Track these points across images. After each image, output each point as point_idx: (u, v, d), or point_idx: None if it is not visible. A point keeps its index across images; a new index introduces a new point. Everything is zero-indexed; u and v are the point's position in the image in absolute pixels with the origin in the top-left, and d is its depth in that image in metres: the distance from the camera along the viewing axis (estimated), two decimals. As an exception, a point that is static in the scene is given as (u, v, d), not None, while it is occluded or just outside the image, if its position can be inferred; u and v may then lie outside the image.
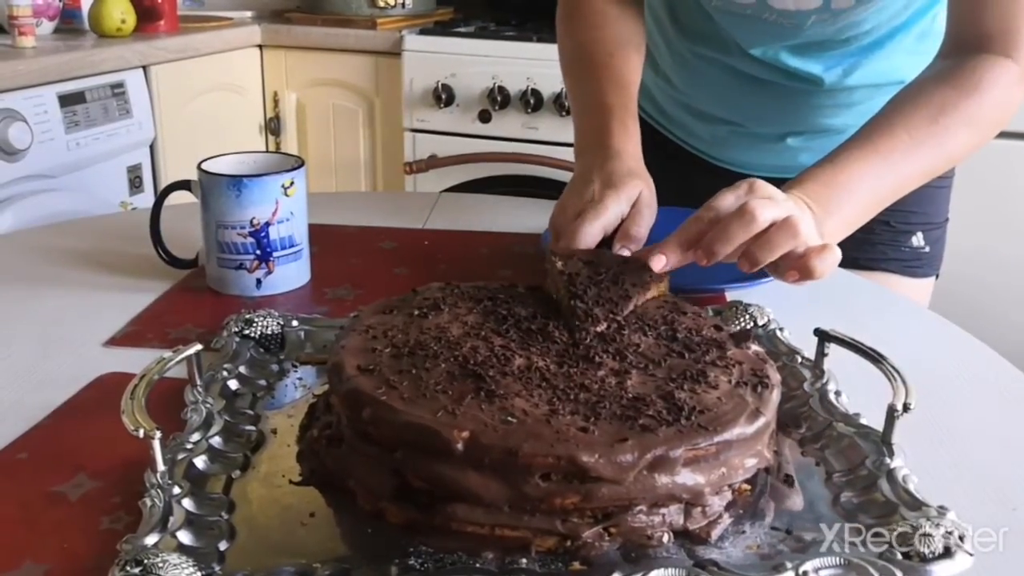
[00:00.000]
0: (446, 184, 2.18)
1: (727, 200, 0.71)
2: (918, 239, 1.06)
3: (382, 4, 2.24)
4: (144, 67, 1.95)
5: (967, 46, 0.84)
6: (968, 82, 0.82)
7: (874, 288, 0.95)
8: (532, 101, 2.04)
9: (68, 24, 2.08)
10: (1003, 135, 1.80)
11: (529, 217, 1.04)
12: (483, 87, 2.09)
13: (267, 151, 0.77)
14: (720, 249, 0.70)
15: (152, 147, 2.00)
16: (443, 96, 2.11)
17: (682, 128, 1.13)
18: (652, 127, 1.14)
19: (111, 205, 1.86)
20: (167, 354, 0.57)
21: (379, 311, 0.62)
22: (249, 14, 2.38)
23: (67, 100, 1.77)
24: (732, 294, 0.82)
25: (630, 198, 0.80)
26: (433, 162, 2.17)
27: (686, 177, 1.11)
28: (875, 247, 1.05)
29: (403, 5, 2.27)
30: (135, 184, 1.97)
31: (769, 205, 0.69)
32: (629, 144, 0.87)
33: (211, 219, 0.80)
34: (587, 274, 0.67)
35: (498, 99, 2.08)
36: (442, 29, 2.21)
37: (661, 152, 1.13)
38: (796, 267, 0.70)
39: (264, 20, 2.32)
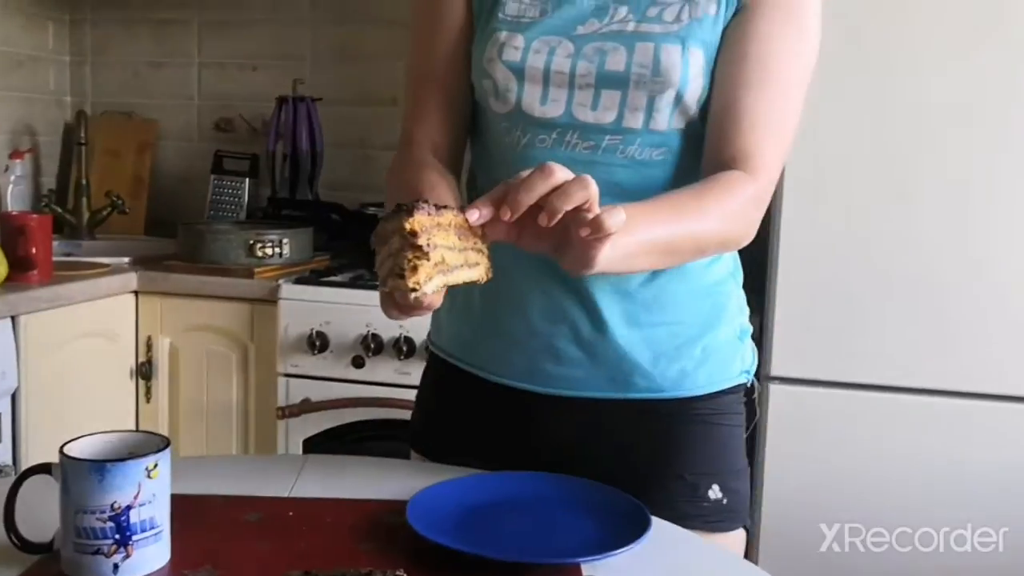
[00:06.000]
0: (319, 428, 2.19)
1: (525, 171, 0.82)
2: (715, 492, 1.10)
3: (260, 254, 2.32)
4: (13, 316, 1.93)
5: (720, 167, 1.01)
6: (719, 184, 1.00)
7: (706, 548, 0.99)
8: (405, 348, 2.11)
9: (-64, 273, 2.06)
10: (814, 383, 1.95)
11: (396, 482, 1.06)
12: (357, 334, 2.15)
13: (133, 430, 0.80)
14: (524, 198, 0.80)
15: (14, 396, 1.96)
16: (317, 343, 2.16)
17: (491, 358, 1.16)
18: (470, 374, 1.18)
19: (-35, 458, 1.79)
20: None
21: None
22: (126, 260, 2.41)
23: (-73, 352, 1.74)
24: (587, 567, 0.85)
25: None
26: (306, 407, 2.19)
27: (508, 417, 1.16)
28: (675, 506, 1.07)
29: (280, 255, 2.35)
30: (-7, 435, 1.91)
31: (565, 168, 0.81)
32: None
33: (70, 504, 0.80)
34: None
35: (371, 346, 2.14)
36: (317, 278, 2.29)
37: (480, 397, 1.17)
38: (588, 224, 0.81)
39: (141, 267, 2.35)
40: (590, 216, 0.81)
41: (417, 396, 1.29)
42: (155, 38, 2.96)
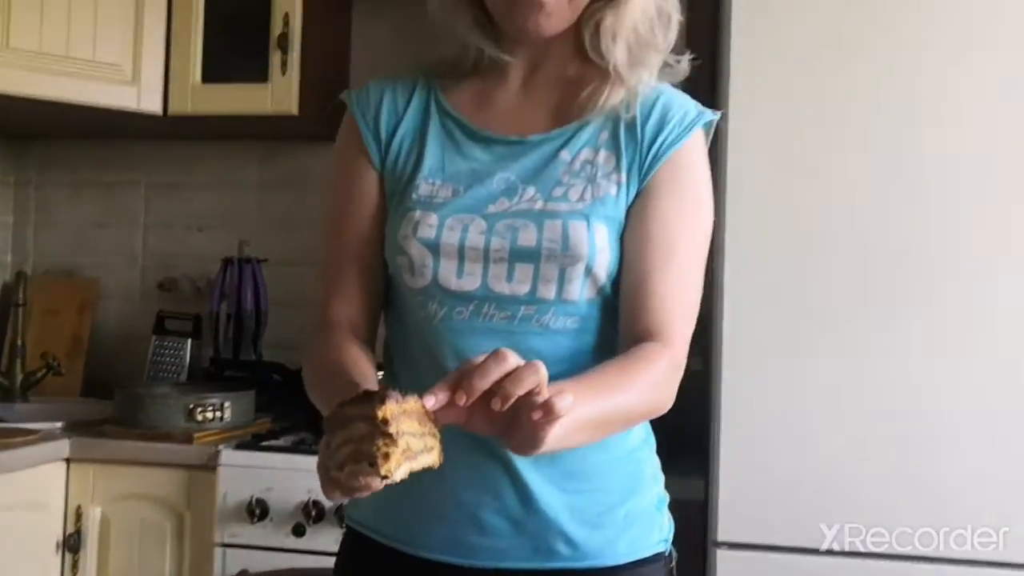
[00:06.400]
0: (256, 602, 2.09)
1: (480, 357, 0.85)
2: None
3: (200, 418, 2.27)
4: (-67, 490, 1.85)
5: (635, 340, 1.08)
6: (640, 357, 1.05)
7: None
8: (347, 516, 2.05)
9: None
10: (763, 548, 1.92)
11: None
12: (298, 501, 2.09)
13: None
14: (479, 384, 0.83)
15: (-70, 576, 1.85)
16: (257, 511, 2.09)
17: (411, 529, 1.15)
18: (387, 548, 1.16)
19: None
20: None
21: None
22: (59, 425, 2.34)
23: None
24: None
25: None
26: (243, 579, 2.10)
27: None
28: None
29: (221, 419, 2.30)
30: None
31: (515, 354, 0.85)
32: None
33: None
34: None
35: (312, 513, 2.07)
36: (258, 443, 2.24)
37: (397, 573, 1.15)
38: (539, 407, 0.84)
39: (74, 432, 2.28)
40: (540, 400, 0.84)
41: (334, 570, 1.26)
42: (101, 199, 2.96)
